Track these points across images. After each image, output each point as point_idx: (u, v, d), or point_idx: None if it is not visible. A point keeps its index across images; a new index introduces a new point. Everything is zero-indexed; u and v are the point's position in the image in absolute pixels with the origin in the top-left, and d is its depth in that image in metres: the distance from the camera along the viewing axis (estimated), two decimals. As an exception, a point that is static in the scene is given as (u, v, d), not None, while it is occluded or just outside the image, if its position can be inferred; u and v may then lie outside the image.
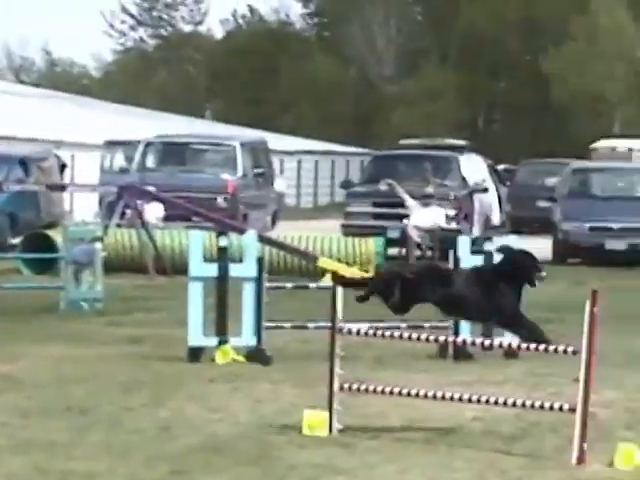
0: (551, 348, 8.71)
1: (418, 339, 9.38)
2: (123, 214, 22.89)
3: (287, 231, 26.52)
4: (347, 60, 65.25)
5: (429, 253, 22.88)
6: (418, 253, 23.64)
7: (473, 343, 11.32)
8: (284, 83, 65.01)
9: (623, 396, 11.33)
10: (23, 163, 29.31)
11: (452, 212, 24.59)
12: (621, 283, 21.68)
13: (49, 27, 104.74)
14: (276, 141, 43.31)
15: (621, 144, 40.55)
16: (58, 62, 76.51)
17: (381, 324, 11.10)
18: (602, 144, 41.76)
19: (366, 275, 16.64)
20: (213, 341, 12.76)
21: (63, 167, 32.12)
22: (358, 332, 9.61)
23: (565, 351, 8.49)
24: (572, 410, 8.79)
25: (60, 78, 74.30)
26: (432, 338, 9.74)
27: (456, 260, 12.97)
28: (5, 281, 19.53)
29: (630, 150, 39.63)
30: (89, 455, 8.68)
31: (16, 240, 24.16)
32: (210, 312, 12.94)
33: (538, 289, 9.67)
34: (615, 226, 27.11)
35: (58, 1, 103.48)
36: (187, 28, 70.51)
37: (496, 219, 26.93)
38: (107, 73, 75.13)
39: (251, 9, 70.44)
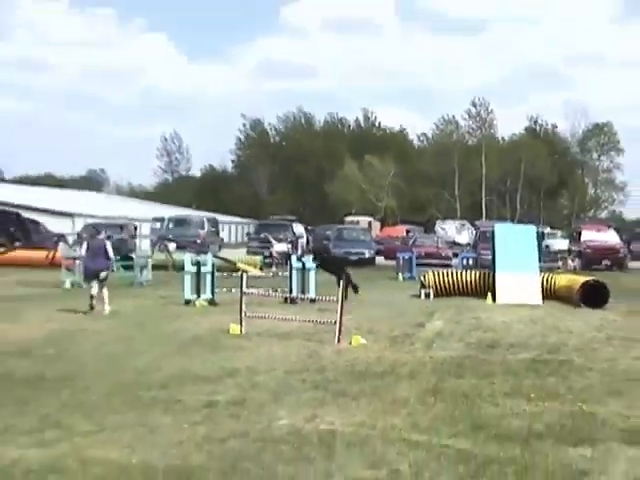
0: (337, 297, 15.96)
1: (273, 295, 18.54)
2: (160, 247, 37.35)
3: (225, 253, 42.08)
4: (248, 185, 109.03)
5: (279, 262, 37.01)
6: (275, 262, 37.88)
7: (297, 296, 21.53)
8: (223, 195, 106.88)
9: (354, 317, 18.72)
10: (121, 227, 47.40)
11: (289, 245, 40.06)
12: None
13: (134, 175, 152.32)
14: (221, 217, 68.62)
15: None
16: (135, 186, 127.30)
17: (260, 289, 19.68)
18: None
19: (256, 270, 32.07)
20: (194, 297, 21.94)
21: (136, 228, 50.99)
22: (252, 293, 17.51)
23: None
24: (335, 322, 15.58)
25: (138, 193, 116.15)
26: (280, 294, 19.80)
27: (291, 265, 23.09)
28: (112, 273, 30.89)
29: None
30: (145, 342, 15.31)
31: (117, 257, 36.49)
32: (193, 284, 21.87)
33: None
34: None
35: (136, 165, 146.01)
36: (184, 173, 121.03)
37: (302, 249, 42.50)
38: (155, 191, 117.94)
39: (211, 166, 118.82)
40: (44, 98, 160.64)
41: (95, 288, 20.53)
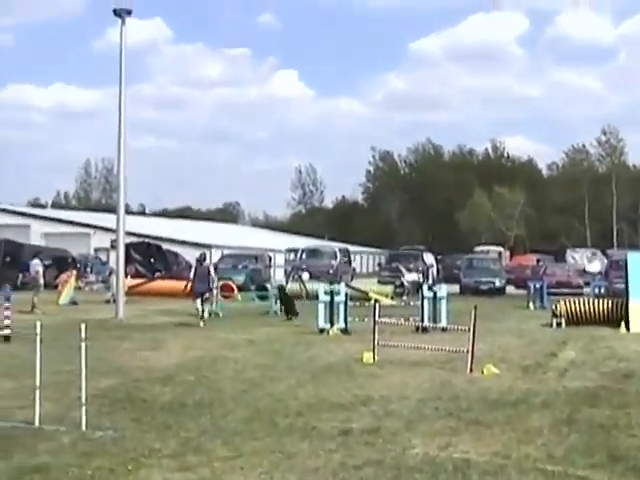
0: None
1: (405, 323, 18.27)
2: (294, 277, 38.24)
3: (357, 282, 42.32)
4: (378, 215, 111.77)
5: (410, 291, 37.19)
6: (406, 291, 37.97)
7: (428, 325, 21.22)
8: (358, 226, 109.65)
9: (485, 347, 18.23)
10: (255, 257, 48.85)
11: (420, 275, 40.88)
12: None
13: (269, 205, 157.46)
14: (352, 248, 68.17)
15: None
16: (269, 217, 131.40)
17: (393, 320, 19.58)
18: None
19: (388, 299, 32.60)
20: (328, 325, 22.15)
21: (270, 259, 51.64)
22: (384, 322, 17.35)
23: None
24: (467, 351, 15.35)
25: (272, 224, 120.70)
26: (412, 323, 19.53)
27: (422, 294, 23.03)
28: (250, 303, 32.98)
29: None
30: (280, 370, 15.39)
31: (253, 287, 39.63)
32: (327, 313, 22.09)
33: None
34: None
35: (272, 197, 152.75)
36: (317, 204, 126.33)
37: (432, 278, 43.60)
38: (289, 223, 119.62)
39: (343, 197, 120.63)
40: (182, 135, 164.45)
41: (198, 304, 25.32)
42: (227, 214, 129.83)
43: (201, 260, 26.83)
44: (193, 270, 26.45)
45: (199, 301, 25.47)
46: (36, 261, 31.43)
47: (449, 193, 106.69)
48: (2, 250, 45.50)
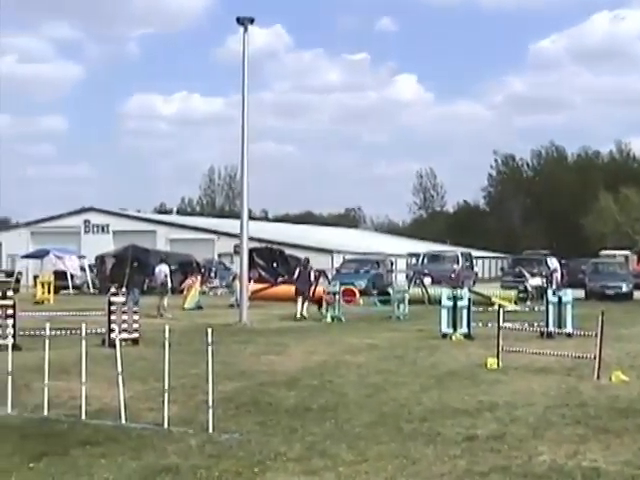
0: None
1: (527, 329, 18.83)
2: (415, 281, 38.33)
3: (479, 287, 41.51)
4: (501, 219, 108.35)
5: (534, 296, 36.91)
6: (530, 296, 37.65)
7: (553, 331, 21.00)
8: (479, 229, 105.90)
9: (613, 353, 17.81)
10: (377, 262, 49.44)
11: (544, 280, 40.01)
12: None
13: (389, 209, 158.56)
14: (475, 252, 66.10)
15: None
16: (391, 222, 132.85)
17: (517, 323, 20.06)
18: None
19: (511, 304, 32.13)
20: (451, 330, 22.00)
21: (392, 264, 52.04)
22: (509, 327, 17.47)
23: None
24: (594, 357, 15.12)
25: (393, 229, 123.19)
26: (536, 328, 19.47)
27: (547, 299, 22.52)
28: (371, 308, 32.87)
29: None
30: (403, 375, 15.45)
31: (375, 292, 40.77)
32: (450, 319, 22.00)
33: None
34: None
35: (392, 201, 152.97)
36: (438, 209, 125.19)
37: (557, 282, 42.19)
38: (410, 227, 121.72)
39: (465, 201, 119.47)
40: (302, 141, 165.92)
41: (299, 304, 29.30)
42: (348, 219, 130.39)
43: (305, 264, 30.80)
44: (297, 273, 30.79)
45: (300, 300, 29.28)
46: (163, 266, 32.07)
47: (573, 196, 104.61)
48: (130, 255, 46.68)
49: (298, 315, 29.11)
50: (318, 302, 30.54)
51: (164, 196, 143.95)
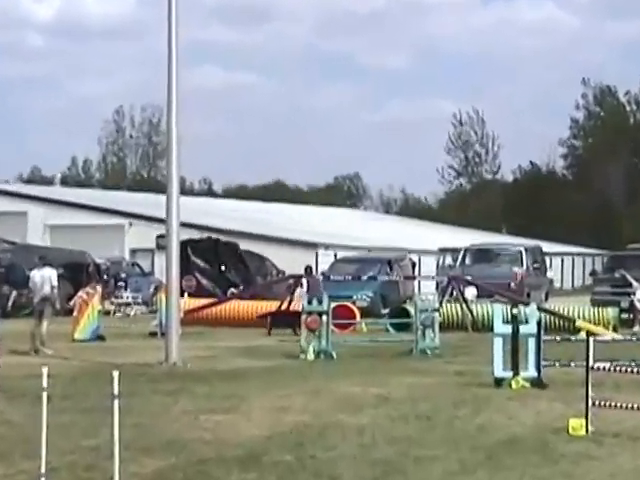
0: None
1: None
2: (451, 294, 38.82)
3: (555, 303, 42.41)
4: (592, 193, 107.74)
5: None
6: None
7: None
8: (551, 209, 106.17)
9: None
10: (389, 263, 49.49)
11: None
12: None
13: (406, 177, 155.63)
14: (547, 246, 66.98)
15: None
16: (411, 198, 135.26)
17: (619, 362, 19.43)
18: None
19: (608, 331, 31.97)
20: (509, 374, 22.08)
21: (414, 265, 53.44)
22: (604, 368, 17.18)
23: None
24: None
25: (412, 209, 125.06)
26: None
27: None
28: (378, 337, 33.85)
29: None
30: (432, 445, 15.38)
31: (385, 311, 41.94)
32: (507, 355, 22.03)
33: None
34: None
35: (412, 162, 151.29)
36: (489, 176, 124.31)
37: None
38: (440, 205, 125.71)
39: (531, 162, 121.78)
40: (267, 66, 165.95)
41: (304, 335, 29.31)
42: (341, 193, 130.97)
43: (309, 271, 34.84)
44: (305, 283, 34.80)
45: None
46: (46, 271, 31.26)
47: None
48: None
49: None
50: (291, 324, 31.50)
51: (40, 156, 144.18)
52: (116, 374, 10.83)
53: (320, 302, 29.72)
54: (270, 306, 38.99)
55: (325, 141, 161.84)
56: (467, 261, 52.30)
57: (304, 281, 36.45)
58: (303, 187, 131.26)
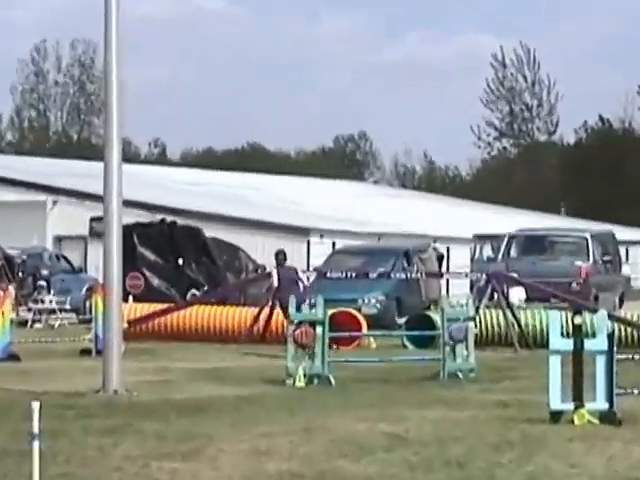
0: None
1: None
2: (491, 297, 39.25)
3: (633, 309, 42.20)
4: None
5: None
6: None
7: None
8: (628, 182, 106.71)
9: None
10: (407, 255, 49.84)
11: None
12: None
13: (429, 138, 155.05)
14: (622, 232, 68.29)
15: None
16: (436, 167, 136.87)
17: None
18: None
19: None
20: (570, 405, 22.05)
21: (440, 258, 53.55)
22: None
23: None
24: None
25: (437, 182, 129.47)
26: None
27: None
28: (392, 354, 33.73)
29: None
30: None
31: (402, 320, 42.31)
32: (567, 380, 22.00)
33: None
34: None
35: (436, 118, 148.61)
36: (542, 137, 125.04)
37: None
38: (476, 177, 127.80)
39: (601, 118, 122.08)
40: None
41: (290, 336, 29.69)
42: (340, 161, 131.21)
43: (281, 261, 35.87)
44: (275, 276, 35.59)
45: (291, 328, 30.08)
46: None
47: None
48: None
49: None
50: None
51: None
52: (36, 406, 10.84)
53: (313, 308, 29.74)
54: (245, 314, 39.07)
55: (320, 90, 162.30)
56: (513, 253, 52.72)
57: (274, 273, 37.11)
58: (289, 152, 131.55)
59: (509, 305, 38.49)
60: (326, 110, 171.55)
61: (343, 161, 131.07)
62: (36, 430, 10.78)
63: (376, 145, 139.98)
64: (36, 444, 10.80)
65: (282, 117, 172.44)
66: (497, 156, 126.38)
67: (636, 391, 22.75)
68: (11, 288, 37.76)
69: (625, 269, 60.63)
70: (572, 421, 22.20)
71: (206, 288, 47.96)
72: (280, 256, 36.82)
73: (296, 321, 29.82)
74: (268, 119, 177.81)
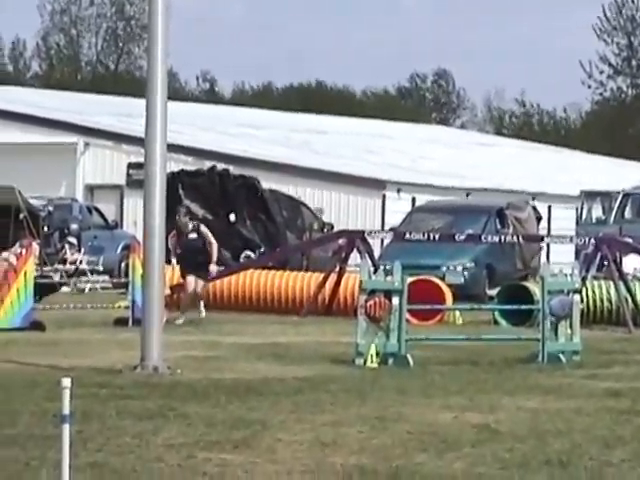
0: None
1: None
2: (601, 266, 38.89)
3: None
4: None
5: None
6: None
7: None
8: None
9: None
10: (500, 214, 50.12)
11: None
12: None
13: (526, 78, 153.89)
14: None
15: None
16: (536, 110, 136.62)
17: None
18: None
19: None
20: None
21: (539, 219, 53.63)
22: None
23: None
24: None
25: (537, 128, 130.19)
26: None
27: None
28: (481, 332, 33.85)
29: None
30: None
31: (493, 291, 42.32)
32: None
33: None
34: None
35: (534, 54, 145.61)
36: None
37: None
38: (585, 123, 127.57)
39: None
40: None
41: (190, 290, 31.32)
42: (419, 102, 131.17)
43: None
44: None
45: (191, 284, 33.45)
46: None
47: None
48: None
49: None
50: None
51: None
52: (67, 382, 10.85)
53: (388, 275, 29.66)
54: (308, 280, 39.12)
55: (393, 19, 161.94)
56: (627, 214, 52.43)
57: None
58: (357, 91, 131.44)
59: (622, 276, 38.18)
60: (401, 42, 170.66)
61: (423, 103, 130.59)
62: (66, 411, 10.76)
63: (460, 84, 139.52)
64: (66, 427, 10.78)
65: (348, 51, 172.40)
66: (611, 98, 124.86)
67: None
68: (35, 245, 37.73)
69: None
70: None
71: (263, 249, 47.90)
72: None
73: (369, 290, 29.68)
74: (333, 54, 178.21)
